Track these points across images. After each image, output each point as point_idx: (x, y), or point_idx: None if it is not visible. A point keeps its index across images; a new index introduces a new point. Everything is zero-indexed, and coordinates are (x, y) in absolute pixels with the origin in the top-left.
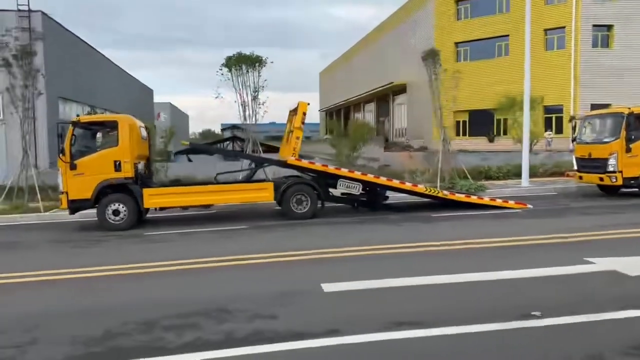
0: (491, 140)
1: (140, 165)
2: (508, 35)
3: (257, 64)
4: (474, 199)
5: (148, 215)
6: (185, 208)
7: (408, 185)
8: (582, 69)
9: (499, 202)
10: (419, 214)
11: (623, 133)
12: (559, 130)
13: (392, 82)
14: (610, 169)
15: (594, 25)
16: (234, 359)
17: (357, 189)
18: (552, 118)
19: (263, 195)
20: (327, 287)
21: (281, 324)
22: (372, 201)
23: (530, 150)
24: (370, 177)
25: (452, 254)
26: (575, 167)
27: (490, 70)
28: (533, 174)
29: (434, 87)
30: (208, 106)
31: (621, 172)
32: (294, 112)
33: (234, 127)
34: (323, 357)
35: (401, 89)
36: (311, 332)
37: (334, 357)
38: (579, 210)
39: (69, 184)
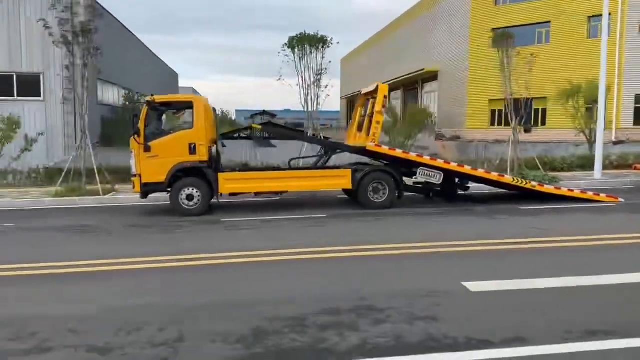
0: (527, 131)
1: (214, 149)
2: (549, 22)
3: (320, 45)
4: (564, 191)
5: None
6: (257, 194)
7: (494, 176)
8: (627, 57)
9: (589, 194)
10: (504, 206)
11: None
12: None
13: (423, 69)
14: None
15: None
16: None
17: (437, 178)
18: (594, 108)
19: (341, 182)
20: (472, 287)
21: (449, 327)
22: (448, 191)
23: (590, 141)
24: (453, 166)
25: (581, 250)
26: None
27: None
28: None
29: (505, 72)
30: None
31: None
32: (368, 95)
33: (264, 112)
34: None
35: (431, 77)
36: (492, 340)
37: None
38: None
39: (143, 166)
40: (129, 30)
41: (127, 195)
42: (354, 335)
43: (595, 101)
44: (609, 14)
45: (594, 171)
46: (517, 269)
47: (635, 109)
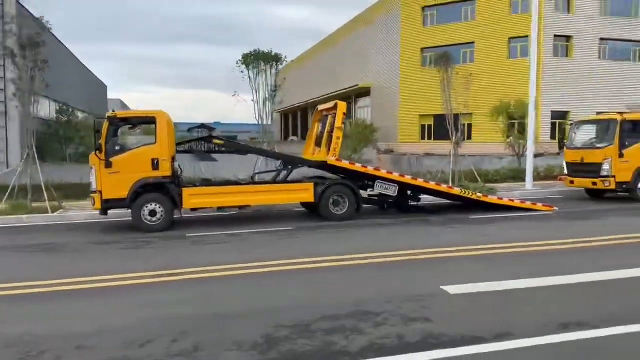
0: (457, 145)
1: (176, 164)
2: (473, 43)
3: (274, 62)
4: (505, 201)
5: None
6: (220, 209)
7: (444, 188)
8: (544, 77)
9: (528, 204)
10: (456, 216)
11: (617, 139)
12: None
13: (357, 85)
14: (604, 173)
15: (555, 36)
16: None
17: (393, 191)
18: (515, 124)
19: (304, 195)
20: (451, 290)
21: (443, 327)
22: (401, 203)
23: (518, 154)
24: (408, 179)
25: (536, 254)
26: (566, 172)
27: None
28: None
29: (446, 91)
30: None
31: (614, 176)
32: (324, 111)
33: (202, 126)
34: (532, 357)
35: (365, 92)
36: (482, 336)
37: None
38: (605, 212)
39: (104, 182)
40: (58, 40)
41: (77, 213)
42: (359, 337)
43: (522, 117)
44: (527, 36)
45: (526, 182)
46: (486, 272)
47: (552, 124)
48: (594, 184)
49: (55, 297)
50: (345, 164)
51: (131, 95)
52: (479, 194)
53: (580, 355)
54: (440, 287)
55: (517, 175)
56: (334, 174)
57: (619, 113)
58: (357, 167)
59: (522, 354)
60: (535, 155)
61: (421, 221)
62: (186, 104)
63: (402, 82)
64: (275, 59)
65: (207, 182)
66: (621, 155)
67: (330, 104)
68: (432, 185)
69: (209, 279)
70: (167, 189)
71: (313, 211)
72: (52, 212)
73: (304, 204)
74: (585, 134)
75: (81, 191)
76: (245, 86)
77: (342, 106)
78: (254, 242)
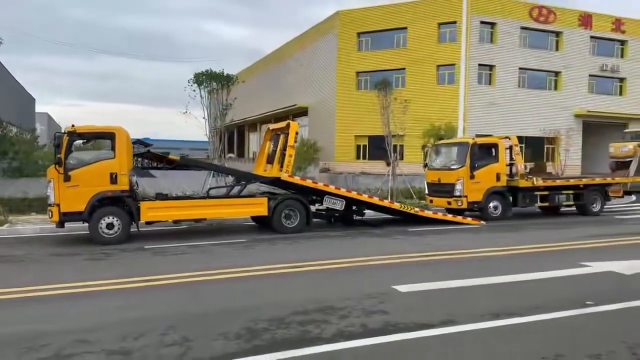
0: (388, 164)
1: (133, 178)
2: (404, 69)
3: (227, 82)
4: (440, 215)
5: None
6: (176, 222)
7: (386, 203)
8: (469, 102)
9: (459, 218)
10: (396, 228)
11: (468, 161)
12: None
13: (295, 105)
14: (457, 193)
15: (479, 65)
16: (396, 344)
17: (340, 205)
18: None
19: (258, 209)
20: (402, 289)
21: (398, 317)
22: (346, 217)
23: None
24: (354, 194)
25: (472, 260)
26: (427, 191)
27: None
28: None
29: (384, 114)
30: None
31: (466, 196)
32: (275, 131)
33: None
34: (471, 338)
35: (302, 112)
36: (432, 323)
37: (469, 340)
38: (524, 226)
39: (62, 196)
40: None
41: (25, 226)
42: (329, 326)
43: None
44: (454, 64)
45: None
46: (430, 274)
47: None
48: (449, 203)
49: (37, 301)
50: (297, 179)
51: (55, 107)
52: (416, 209)
53: (511, 336)
54: (392, 286)
55: None
56: (285, 189)
57: (472, 137)
58: (308, 182)
59: (464, 336)
60: None
61: (367, 233)
62: (113, 118)
63: (339, 103)
64: (227, 79)
65: (162, 196)
66: (472, 177)
67: (282, 124)
68: (375, 200)
69: (181, 284)
70: (124, 203)
71: (263, 225)
72: (0, 226)
73: (254, 218)
74: (442, 156)
75: (22, 205)
76: (172, 102)
77: (295, 126)
78: (214, 253)
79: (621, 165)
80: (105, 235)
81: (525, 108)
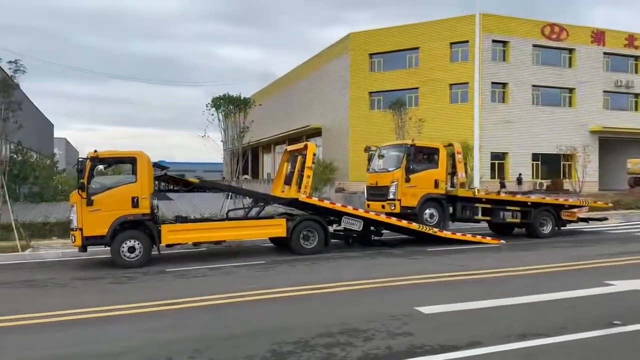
0: None
1: (154, 202)
2: (418, 88)
3: (244, 105)
4: (458, 235)
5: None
6: (196, 244)
7: (404, 223)
8: (484, 120)
9: (478, 238)
10: (416, 248)
11: (404, 163)
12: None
13: (308, 125)
14: (391, 196)
15: (493, 83)
16: None
17: (358, 226)
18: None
19: (277, 230)
20: (425, 310)
21: (423, 339)
22: (364, 237)
23: None
24: (372, 215)
25: (493, 280)
26: (365, 196)
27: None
28: None
29: (399, 133)
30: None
31: (400, 200)
32: (293, 152)
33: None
34: None
35: (315, 132)
36: (458, 345)
37: None
38: (540, 245)
39: (85, 220)
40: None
41: (46, 251)
42: (354, 349)
43: (465, 158)
44: (467, 83)
45: None
46: (452, 295)
47: (491, 164)
48: (383, 206)
49: (61, 325)
50: (315, 200)
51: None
52: (434, 229)
53: (539, 358)
54: (415, 308)
55: None
56: (303, 210)
57: (412, 140)
58: (326, 203)
59: (491, 358)
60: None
61: (385, 253)
62: (128, 142)
63: (352, 123)
64: (244, 102)
65: (182, 219)
66: (408, 180)
67: (300, 145)
68: (393, 220)
69: (205, 307)
70: (145, 226)
71: (281, 246)
72: (22, 251)
73: (272, 239)
74: (383, 159)
75: (44, 230)
76: (186, 125)
77: (312, 147)
78: (236, 275)
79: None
80: (127, 259)
81: (540, 125)
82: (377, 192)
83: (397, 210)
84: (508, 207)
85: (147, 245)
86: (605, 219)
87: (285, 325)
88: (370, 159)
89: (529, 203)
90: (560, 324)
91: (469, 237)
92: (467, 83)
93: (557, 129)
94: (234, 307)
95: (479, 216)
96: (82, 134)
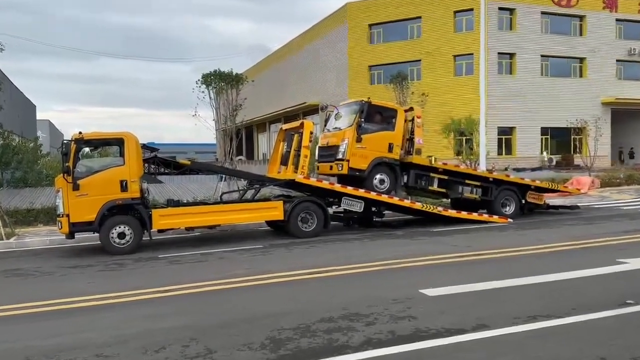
0: None
1: (144, 185)
2: (420, 60)
3: (236, 82)
4: (463, 214)
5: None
6: (189, 229)
7: (407, 203)
8: (490, 93)
9: (485, 216)
10: (419, 229)
11: (356, 121)
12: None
13: (305, 102)
14: (339, 156)
15: (499, 53)
16: (427, 351)
17: (359, 207)
18: (463, 140)
19: (274, 213)
20: (429, 292)
21: (428, 322)
22: (364, 218)
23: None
24: (373, 195)
25: (499, 261)
26: (316, 158)
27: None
28: None
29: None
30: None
31: (348, 160)
32: (289, 130)
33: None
34: (506, 343)
35: (313, 110)
36: (464, 328)
37: (505, 344)
38: (549, 222)
39: (71, 205)
40: None
41: (34, 239)
42: (357, 334)
43: (471, 134)
44: (472, 54)
45: None
46: (458, 276)
47: (499, 140)
48: (331, 167)
49: (52, 314)
50: (313, 181)
51: (53, 114)
52: (439, 208)
53: (550, 339)
54: (419, 290)
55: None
56: (300, 191)
57: (368, 98)
58: (325, 184)
59: (499, 341)
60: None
61: (387, 235)
62: (114, 123)
63: (351, 98)
64: (236, 78)
65: (174, 203)
66: (359, 140)
67: (295, 123)
68: (395, 200)
69: (200, 293)
70: (136, 211)
71: (278, 229)
72: (7, 239)
73: (269, 223)
74: (338, 118)
75: (29, 216)
76: (177, 104)
77: (309, 125)
78: (232, 260)
79: None
80: (117, 245)
81: (549, 97)
82: (327, 153)
83: (344, 171)
84: (467, 181)
85: (137, 230)
86: (577, 207)
87: (284, 310)
88: (327, 119)
89: (490, 179)
90: (570, 304)
91: (475, 215)
92: (472, 54)
93: (567, 101)
94: (230, 292)
95: (434, 187)
96: (66, 115)
